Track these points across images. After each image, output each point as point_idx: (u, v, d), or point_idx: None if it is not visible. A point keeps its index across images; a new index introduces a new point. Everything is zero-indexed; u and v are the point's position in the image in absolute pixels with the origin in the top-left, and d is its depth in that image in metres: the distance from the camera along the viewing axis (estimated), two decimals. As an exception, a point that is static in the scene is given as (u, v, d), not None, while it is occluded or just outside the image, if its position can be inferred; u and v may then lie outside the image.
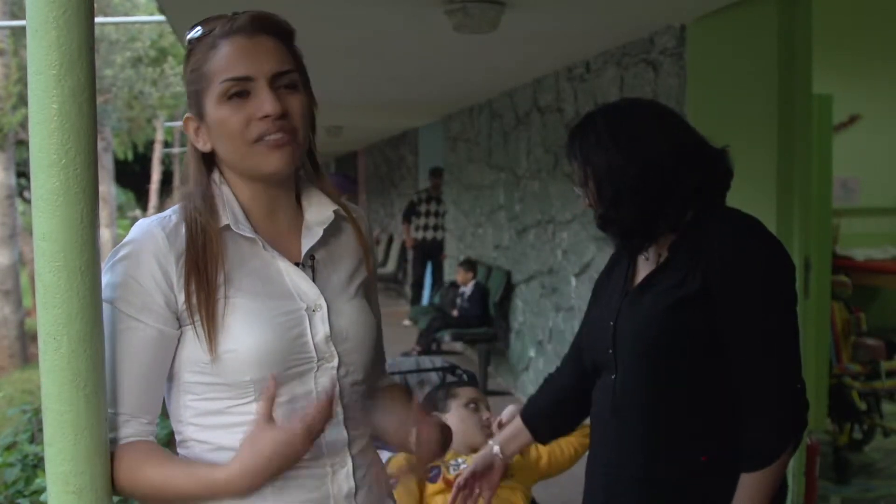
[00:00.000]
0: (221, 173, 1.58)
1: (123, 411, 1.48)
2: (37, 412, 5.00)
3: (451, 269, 10.58)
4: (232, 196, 1.56)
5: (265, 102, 1.46)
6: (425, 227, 11.42)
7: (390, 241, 14.79)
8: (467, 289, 8.72)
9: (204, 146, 1.55)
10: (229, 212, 1.53)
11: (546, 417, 2.37)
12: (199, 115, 1.53)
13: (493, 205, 8.53)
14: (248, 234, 1.53)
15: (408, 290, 12.88)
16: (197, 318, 1.48)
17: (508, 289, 8.07)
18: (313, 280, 1.58)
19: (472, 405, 2.88)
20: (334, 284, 1.61)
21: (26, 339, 13.72)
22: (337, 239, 1.66)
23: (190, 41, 1.53)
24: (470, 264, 8.85)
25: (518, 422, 2.39)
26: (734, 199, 2.09)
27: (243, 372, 1.48)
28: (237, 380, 1.48)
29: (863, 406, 5.30)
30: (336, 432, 1.56)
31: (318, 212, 1.62)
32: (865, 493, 5.00)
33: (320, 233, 1.60)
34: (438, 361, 3.54)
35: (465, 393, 2.94)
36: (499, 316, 8.20)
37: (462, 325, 8.59)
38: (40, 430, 3.75)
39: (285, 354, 1.50)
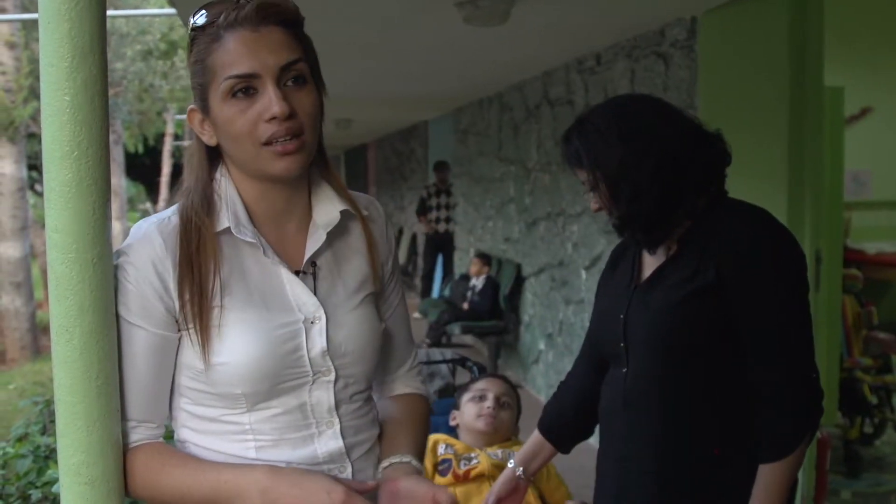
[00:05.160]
0: (227, 168, 1.52)
1: (132, 417, 1.46)
2: (48, 404, 5.02)
3: (460, 262, 10.58)
4: (236, 195, 1.49)
5: (272, 104, 1.39)
6: (437, 220, 11.42)
7: (400, 234, 14.79)
8: (478, 282, 8.72)
9: (210, 140, 1.49)
10: (230, 213, 1.47)
11: (566, 426, 2.32)
12: (204, 108, 1.46)
13: (503, 198, 8.52)
14: (250, 238, 1.47)
15: (418, 282, 12.89)
16: (191, 325, 1.44)
17: (518, 281, 8.06)
18: (315, 288, 1.52)
19: (477, 396, 2.93)
20: (338, 293, 1.54)
21: (37, 331, 13.77)
22: (345, 241, 1.59)
23: (193, 28, 1.46)
24: (486, 257, 8.84)
25: (537, 437, 2.33)
26: (745, 191, 2.09)
27: (234, 385, 1.45)
28: (228, 392, 1.46)
29: (874, 400, 5.29)
30: (333, 442, 1.52)
31: (326, 212, 1.55)
32: (876, 488, 4.99)
33: (324, 236, 1.53)
34: (448, 354, 3.55)
35: (476, 385, 2.99)
36: (509, 309, 8.19)
37: (472, 317, 8.58)
38: (52, 421, 3.76)
39: (278, 369, 1.46)
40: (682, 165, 1.97)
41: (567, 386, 2.36)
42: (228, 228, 1.47)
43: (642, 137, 1.97)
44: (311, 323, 1.49)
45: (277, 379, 1.46)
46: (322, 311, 1.50)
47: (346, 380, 1.53)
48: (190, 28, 1.46)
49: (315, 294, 1.51)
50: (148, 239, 1.45)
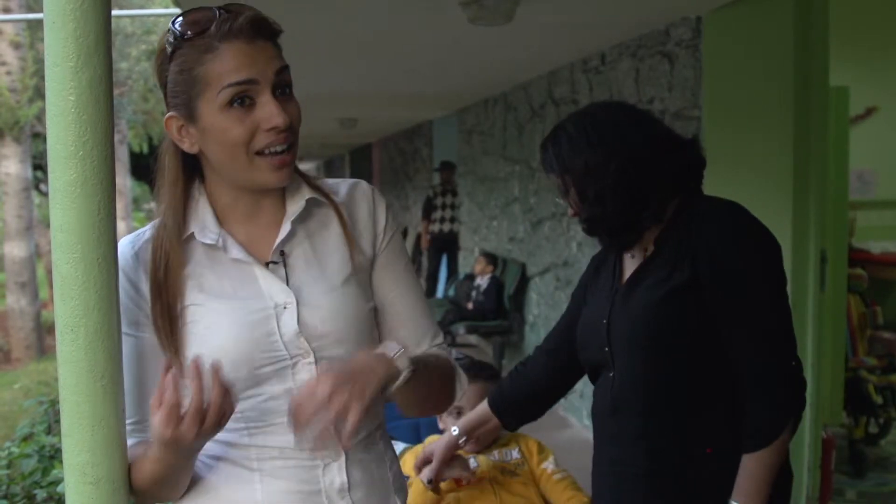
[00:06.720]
0: (202, 175, 1.56)
1: (128, 422, 1.48)
2: (53, 403, 5.04)
3: (465, 262, 10.58)
4: (207, 205, 1.55)
5: (274, 115, 1.44)
6: (441, 220, 11.41)
7: (405, 233, 14.80)
8: (483, 281, 8.71)
9: (190, 147, 1.51)
10: (199, 220, 1.53)
11: (516, 408, 2.40)
12: (190, 117, 1.47)
13: (507, 197, 8.51)
14: (209, 240, 1.52)
15: (422, 282, 12.90)
16: (162, 335, 1.49)
17: (523, 281, 8.05)
18: (286, 276, 1.55)
19: (455, 411, 2.65)
20: (313, 277, 1.56)
21: (42, 330, 13.82)
22: (321, 227, 1.61)
23: (177, 38, 1.45)
24: (491, 257, 8.84)
25: (485, 408, 2.41)
26: (750, 190, 2.09)
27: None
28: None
29: (879, 400, 5.28)
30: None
31: (294, 202, 1.59)
32: (881, 487, 4.99)
33: (289, 227, 1.56)
34: (453, 354, 3.53)
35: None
36: (513, 308, 8.19)
37: (477, 317, 8.58)
38: (57, 421, 3.77)
39: (253, 353, 1.48)
40: (648, 170, 2.00)
41: (521, 372, 2.42)
42: (193, 234, 1.52)
43: (609, 142, 2.02)
44: (283, 308, 1.52)
45: (254, 363, 1.49)
46: (292, 297, 1.52)
47: (331, 362, 1.52)
48: (171, 37, 1.46)
49: (287, 282, 1.54)
50: (122, 254, 1.51)
